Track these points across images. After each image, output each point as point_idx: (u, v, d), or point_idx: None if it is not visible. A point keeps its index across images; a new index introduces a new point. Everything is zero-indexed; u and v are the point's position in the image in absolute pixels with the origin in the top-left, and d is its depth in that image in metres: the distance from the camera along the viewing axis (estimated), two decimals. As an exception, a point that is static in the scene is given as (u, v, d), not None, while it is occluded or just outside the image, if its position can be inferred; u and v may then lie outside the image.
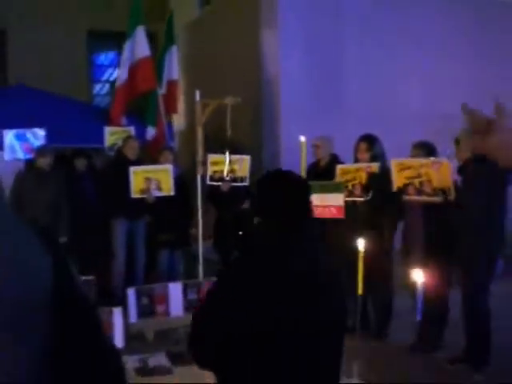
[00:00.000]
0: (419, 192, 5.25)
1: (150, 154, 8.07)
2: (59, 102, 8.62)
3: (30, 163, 7.13)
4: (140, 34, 8.12)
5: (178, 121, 11.20)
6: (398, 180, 5.44)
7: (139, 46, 8.10)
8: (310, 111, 9.20)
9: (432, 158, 5.31)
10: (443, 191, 5.14)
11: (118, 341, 5.15)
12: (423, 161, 5.34)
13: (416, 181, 5.25)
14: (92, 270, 6.08)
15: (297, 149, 5.95)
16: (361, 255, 4.44)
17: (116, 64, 14.31)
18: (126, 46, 8.20)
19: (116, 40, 12.20)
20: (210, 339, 2.14)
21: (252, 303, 2.08)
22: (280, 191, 2.32)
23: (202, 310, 2.22)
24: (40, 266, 2.19)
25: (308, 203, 2.36)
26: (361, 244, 4.45)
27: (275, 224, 2.28)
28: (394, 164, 5.53)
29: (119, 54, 14.27)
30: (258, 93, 9.54)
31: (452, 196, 5.12)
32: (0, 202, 2.46)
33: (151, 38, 14.26)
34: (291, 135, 6.50)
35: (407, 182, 5.32)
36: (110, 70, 14.80)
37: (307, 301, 2.16)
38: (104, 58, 14.94)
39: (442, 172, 5.13)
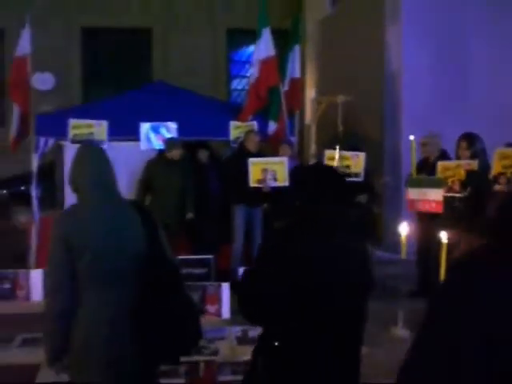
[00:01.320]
0: (509, 182, 5.34)
1: (271, 147, 8.65)
2: (192, 98, 9.45)
3: (160, 154, 7.98)
4: (266, 34, 8.72)
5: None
6: (495, 168, 5.56)
7: (266, 46, 8.71)
8: (431, 108, 9.32)
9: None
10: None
11: (225, 312, 5.73)
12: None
13: (509, 171, 5.34)
14: (212, 251, 6.68)
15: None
16: (444, 247, 4.70)
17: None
18: (256, 48, 8.88)
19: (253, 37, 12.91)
20: (260, 297, 2.61)
21: (297, 264, 2.53)
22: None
23: (253, 271, 2.71)
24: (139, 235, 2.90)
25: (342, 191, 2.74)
26: (444, 236, 4.70)
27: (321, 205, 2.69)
28: (496, 153, 5.65)
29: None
30: (380, 89, 9.79)
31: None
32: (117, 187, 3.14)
33: (284, 33, 15.02)
34: (412, 132, 6.74)
35: (502, 171, 5.43)
36: (247, 66, 15.60)
37: (343, 266, 2.58)
38: (242, 54, 15.76)
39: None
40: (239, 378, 3.41)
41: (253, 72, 8.86)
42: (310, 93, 11.90)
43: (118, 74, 13.94)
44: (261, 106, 8.74)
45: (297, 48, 9.10)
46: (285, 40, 9.56)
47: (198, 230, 8.04)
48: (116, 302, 3.02)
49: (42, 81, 13.71)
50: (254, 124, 8.59)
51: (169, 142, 7.89)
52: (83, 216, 3.04)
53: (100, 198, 3.09)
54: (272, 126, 8.75)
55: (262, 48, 8.76)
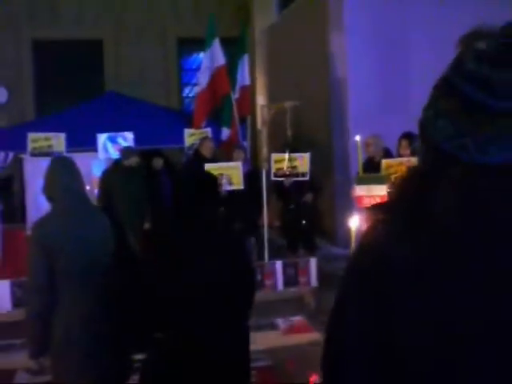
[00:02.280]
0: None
1: (225, 153, 9.01)
2: (145, 107, 9.75)
3: (116, 163, 8.25)
4: (216, 45, 9.11)
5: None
6: None
7: (216, 55, 9.09)
8: (375, 109, 9.81)
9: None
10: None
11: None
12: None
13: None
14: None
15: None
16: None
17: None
18: (204, 57, 9.23)
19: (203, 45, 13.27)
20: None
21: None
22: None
23: None
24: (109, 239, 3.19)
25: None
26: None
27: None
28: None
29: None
30: (326, 93, 10.24)
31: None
32: (85, 193, 3.43)
33: (234, 41, 15.35)
34: (358, 133, 7.16)
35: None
36: (198, 74, 15.92)
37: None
38: (192, 62, 16.07)
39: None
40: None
41: (201, 80, 9.20)
42: (260, 99, 12.30)
43: (70, 85, 14.08)
44: (209, 113, 9.10)
45: (245, 57, 9.50)
46: (234, 48, 9.95)
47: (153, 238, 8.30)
48: (87, 302, 3.33)
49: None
50: (208, 131, 8.94)
51: (125, 151, 8.15)
52: (57, 222, 3.34)
53: (72, 205, 3.40)
54: (225, 132, 9.13)
55: (212, 57, 9.12)
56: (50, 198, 3.43)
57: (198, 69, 15.42)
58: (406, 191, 1.27)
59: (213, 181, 3.18)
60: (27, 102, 13.93)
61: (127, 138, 8.57)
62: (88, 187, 7.96)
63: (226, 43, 9.53)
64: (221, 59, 9.09)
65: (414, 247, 1.11)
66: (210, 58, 9.09)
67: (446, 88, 1.36)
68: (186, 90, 16.16)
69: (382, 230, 1.20)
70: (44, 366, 3.42)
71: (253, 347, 3.31)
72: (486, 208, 1.13)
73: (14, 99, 13.57)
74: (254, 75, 12.21)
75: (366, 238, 1.24)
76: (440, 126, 1.27)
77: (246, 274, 3.14)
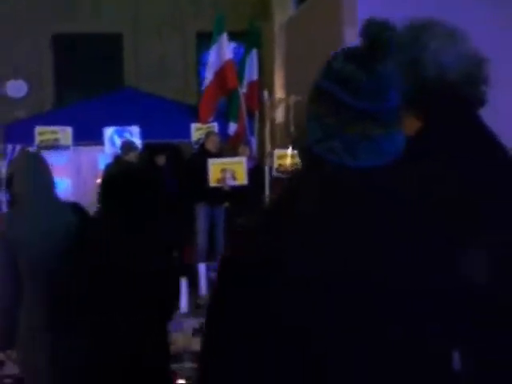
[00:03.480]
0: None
1: (232, 148, 9.01)
2: (156, 102, 9.78)
3: (117, 157, 8.29)
4: (223, 39, 9.10)
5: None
6: None
7: (223, 50, 9.09)
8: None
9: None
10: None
11: (183, 306, 6.03)
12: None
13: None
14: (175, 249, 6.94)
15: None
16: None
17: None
18: (212, 51, 9.22)
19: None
20: None
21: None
22: None
23: None
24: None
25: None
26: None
27: None
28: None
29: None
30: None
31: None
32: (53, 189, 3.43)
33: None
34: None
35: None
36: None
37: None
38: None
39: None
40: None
41: (207, 75, 9.20)
42: (278, 93, 12.27)
43: (90, 80, 14.15)
44: (216, 107, 9.10)
45: (254, 52, 9.47)
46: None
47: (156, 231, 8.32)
48: (49, 302, 3.33)
49: (16, 88, 13.98)
50: (215, 125, 8.95)
51: (125, 145, 8.20)
52: (22, 218, 3.37)
53: (37, 201, 3.42)
54: (232, 127, 9.12)
55: (219, 52, 9.12)
56: (16, 194, 3.46)
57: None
58: (285, 191, 1.34)
59: (145, 181, 3.12)
60: (46, 95, 14.02)
61: (133, 133, 8.62)
62: (98, 180, 8.16)
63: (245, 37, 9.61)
64: (228, 54, 9.09)
65: (279, 235, 1.17)
66: (217, 52, 9.09)
67: (315, 91, 1.35)
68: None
69: (260, 221, 1.27)
70: (11, 358, 3.46)
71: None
72: (341, 209, 1.17)
73: (33, 93, 13.72)
74: (271, 70, 12.20)
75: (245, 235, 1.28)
76: (310, 129, 1.27)
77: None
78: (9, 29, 13.45)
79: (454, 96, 1.63)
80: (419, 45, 1.64)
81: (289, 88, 11.67)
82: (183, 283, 6.30)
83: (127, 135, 8.59)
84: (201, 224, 8.39)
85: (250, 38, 9.82)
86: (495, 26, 9.48)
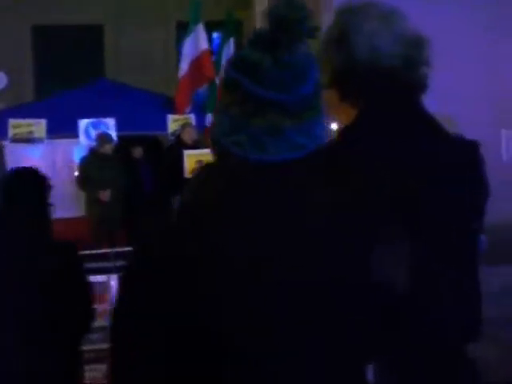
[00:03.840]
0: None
1: (208, 139, 8.92)
2: (132, 94, 9.69)
3: (92, 150, 8.19)
4: (199, 29, 8.98)
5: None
6: None
7: (199, 40, 8.97)
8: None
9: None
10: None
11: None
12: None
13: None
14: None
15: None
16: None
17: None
18: (187, 41, 9.10)
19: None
20: None
21: None
22: None
23: None
24: None
25: None
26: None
27: None
28: None
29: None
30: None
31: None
32: None
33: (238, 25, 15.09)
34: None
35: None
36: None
37: None
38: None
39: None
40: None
41: (183, 66, 9.08)
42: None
43: (70, 71, 14.02)
44: (191, 98, 9.00)
45: (231, 41, 9.37)
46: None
47: (134, 224, 8.29)
48: None
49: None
50: (191, 117, 8.85)
51: (100, 137, 8.11)
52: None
53: None
54: (209, 119, 9.02)
55: (195, 42, 9.01)
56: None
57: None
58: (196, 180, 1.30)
59: (27, 178, 2.86)
60: (26, 87, 13.93)
61: (109, 125, 8.53)
62: (75, 173, 8.08)
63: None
64: (204, 43, 8.97)
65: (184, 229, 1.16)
66: (193, 42, 8.97)
67: (224, 81, 1.29)
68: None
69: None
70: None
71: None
72: (239, 202, 1.14)
73: (13, 85, 13.59)
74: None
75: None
76: (217, 121, 1.22)
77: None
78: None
79: (391, 80, 1.56)
80: (351, 27, 1.57)
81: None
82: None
83: (102, 127, 8.49)
84: (177, 216, 8.32)
85: (227, 27, 9.71)
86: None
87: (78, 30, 14.32)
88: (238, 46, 9.69)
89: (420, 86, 1.63)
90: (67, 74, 14.12)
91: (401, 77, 1.59)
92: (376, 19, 1.58)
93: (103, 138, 8.09)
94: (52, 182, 3.03)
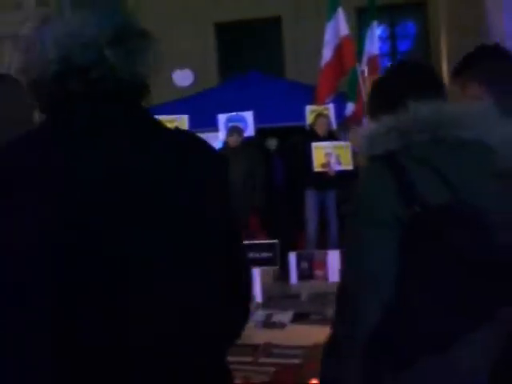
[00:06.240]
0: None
1: (349, 128, 8.49)
2: (279, 85, 9.62)
3: (224, 142, 8.29)
4: (339, 15, 8.52)
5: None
6: None
7: (340, 26, 8.52)
8: None
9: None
10: None
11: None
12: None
13: None
14: (282, 235, 6.73)
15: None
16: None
17: (386, 36, 14.65)
18: (328, 28, 8.67)
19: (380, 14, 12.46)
20: None
21: None
22: None
23: None
24: None
25: None
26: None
27: None
28: None
29: (389, 27, 14.59)
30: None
31: None
32: None
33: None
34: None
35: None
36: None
37: None
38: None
39: None
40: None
41: (325, 54, 8.69)
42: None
43: (250, 65, 14.34)
44: (335, 88, 8.61)
45: (375, 24, 8.79)
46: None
47: (267, 217, 8.22)
48: None
49: (182, 77, 14.79)
50: (331, 107, 8.51)
51: (229, 130, 8.18)
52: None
53: None
54: (350, 107, 8.60)
55: (336, 28, 8.59)
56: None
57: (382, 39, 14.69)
58: None
59: None
60: (210, 83, 14.53)
61: (246, 118, 8.56)
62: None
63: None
64: (345, 29, 8.49)
65: None
66: (334, 29, 8.54)
67: None
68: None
69: None
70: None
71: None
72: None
73: (199, 82, 14.34)
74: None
75: None
76: None
77: None
78: (173, 18, 14.11)
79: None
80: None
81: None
82: (255, 272, 6.14)
83: (240, 121, 8.54)
84: (310, 209, 8.08)
85: (369, 9, 9.14)
86: None
87: (256, 23, 14.57)
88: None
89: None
90: (249, 67, 14.47)
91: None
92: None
93: (231, 130, 8.17)
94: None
